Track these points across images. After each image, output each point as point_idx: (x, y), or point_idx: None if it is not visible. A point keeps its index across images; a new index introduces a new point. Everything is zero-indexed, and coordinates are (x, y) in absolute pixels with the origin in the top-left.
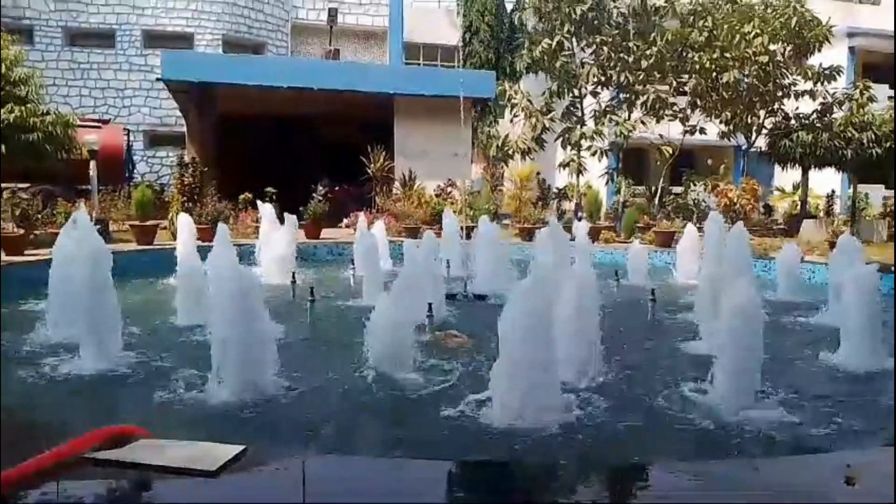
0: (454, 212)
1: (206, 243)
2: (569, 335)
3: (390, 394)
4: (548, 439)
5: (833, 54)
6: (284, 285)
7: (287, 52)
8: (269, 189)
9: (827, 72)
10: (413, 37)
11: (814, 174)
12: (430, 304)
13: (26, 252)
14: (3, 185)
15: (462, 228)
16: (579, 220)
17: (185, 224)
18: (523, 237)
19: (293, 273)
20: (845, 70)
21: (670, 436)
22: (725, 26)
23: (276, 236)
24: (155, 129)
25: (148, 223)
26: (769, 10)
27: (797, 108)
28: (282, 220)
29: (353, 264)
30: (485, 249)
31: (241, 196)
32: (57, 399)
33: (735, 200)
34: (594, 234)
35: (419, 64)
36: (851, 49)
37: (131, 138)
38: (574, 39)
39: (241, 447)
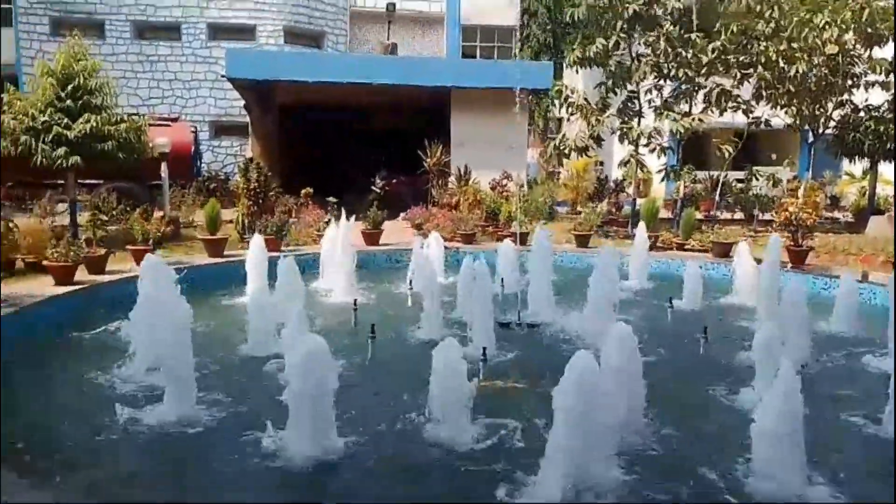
0: (509, 212)
1: (273, 254)
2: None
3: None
4: None
5: None
6: (347, 305)
7: (346, 41)
8: (331, 199)
9: None
10: (470, 19)
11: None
12: (483, 349)
13: (108, 269)
14: (80, 180)
15: (517, 235)
16: (636, 223)
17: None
18: (579, 243)
19: (355, 300)
20: None
21: None
22: (794, 18)
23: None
24: (220, 120)
25: (217, 237)
26: (839, 1)
27: (867, 100)
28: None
29: (411, 284)
30: (540, 265)
31: (303, 191)
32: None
33: (796, 213)
34: (652, 240)
35: (475, 46)
36: None
37: (197, 128)
38: (629, 37)
39: None
